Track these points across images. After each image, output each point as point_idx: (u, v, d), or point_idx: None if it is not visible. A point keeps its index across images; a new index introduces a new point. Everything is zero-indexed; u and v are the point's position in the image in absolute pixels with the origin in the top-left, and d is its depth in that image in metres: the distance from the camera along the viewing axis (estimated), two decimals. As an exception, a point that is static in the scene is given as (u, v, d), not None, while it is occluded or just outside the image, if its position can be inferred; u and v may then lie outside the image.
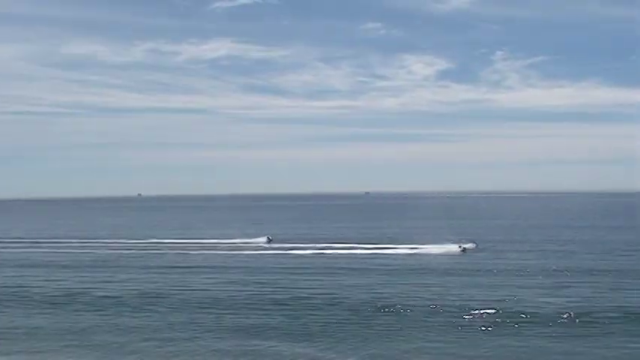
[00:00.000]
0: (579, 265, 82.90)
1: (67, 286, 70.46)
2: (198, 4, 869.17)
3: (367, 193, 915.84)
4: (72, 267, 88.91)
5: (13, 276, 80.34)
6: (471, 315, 52.13)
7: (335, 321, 51.06)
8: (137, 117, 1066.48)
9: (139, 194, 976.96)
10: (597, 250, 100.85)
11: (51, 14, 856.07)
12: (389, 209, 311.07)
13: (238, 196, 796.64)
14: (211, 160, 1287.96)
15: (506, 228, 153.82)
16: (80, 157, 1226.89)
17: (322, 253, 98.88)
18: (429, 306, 55.87)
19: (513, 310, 53.79)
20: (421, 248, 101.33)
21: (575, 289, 64.78)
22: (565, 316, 51.12)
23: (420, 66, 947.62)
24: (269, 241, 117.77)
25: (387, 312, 54.22)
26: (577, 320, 49.89)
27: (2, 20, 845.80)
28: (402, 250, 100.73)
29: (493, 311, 53.03)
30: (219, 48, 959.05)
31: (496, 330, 47.69)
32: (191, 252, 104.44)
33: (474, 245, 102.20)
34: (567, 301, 57.35)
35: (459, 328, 48.55)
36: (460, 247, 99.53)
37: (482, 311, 53.03)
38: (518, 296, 60.33)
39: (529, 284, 67.70)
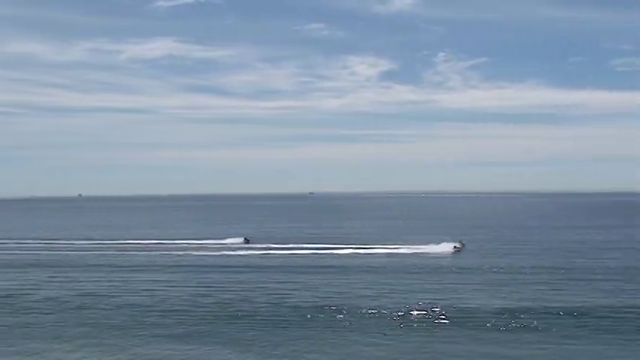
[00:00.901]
0: (524, 264, 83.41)
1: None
2: (140, 2, 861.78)
3: (312, 193, 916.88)
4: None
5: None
6: (403, 314, 52.04)
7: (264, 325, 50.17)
8: (78, 117, 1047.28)
9: (80, 195, 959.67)
10: (538, 249, 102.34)
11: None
12: (335, 210, 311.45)
13: (181, 197, 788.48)
14: (154, 160, 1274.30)
15: (461, 228, 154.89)
16: (20, 157, 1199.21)
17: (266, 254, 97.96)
18: (367, 306, 55.35)
19: (452, 308, 53.78)
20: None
21: (515, 287, 65.27)
22: (504, 315, 51.26)
23: (363, 67, 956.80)
24: (246, 242, 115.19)
25: (325, 312, 53.53)
26: (512, 320, 49.92)
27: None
28: (349, 250, 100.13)
29: (430, 311, 52.97)
30: (161, 47, 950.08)
31: (427, 330, 47.65)
32: (121, 252, 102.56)
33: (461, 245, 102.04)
34: (506, 300, 57.66)
35: (391, 328, 48.22)
36: (455, 247, 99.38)
37: (419, 312, 52.91)
38: (461, 296, 60.42)
39: (470, 283, 67.90)
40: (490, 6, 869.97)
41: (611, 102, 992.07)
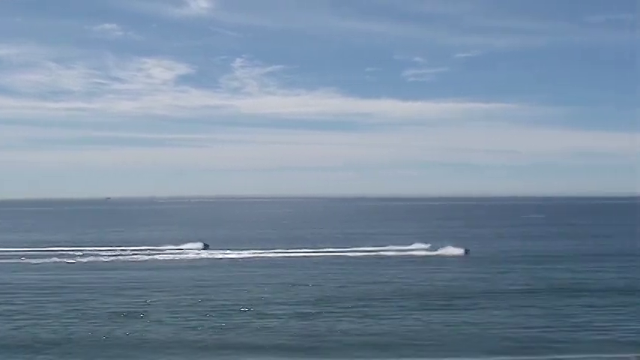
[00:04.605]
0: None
1: None
2: None
3: (108, 198, 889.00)
4: None
5: None
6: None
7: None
8: None
9: None
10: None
11: None
12: (135, 215, 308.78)
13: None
14: None
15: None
16: None
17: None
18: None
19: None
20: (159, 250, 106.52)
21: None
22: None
23: (159, 70, 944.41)
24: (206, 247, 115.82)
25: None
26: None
27: None
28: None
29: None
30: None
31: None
32: None
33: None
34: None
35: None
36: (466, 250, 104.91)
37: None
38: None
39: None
40: (288, 16, 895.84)
41: (404, 111, 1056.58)
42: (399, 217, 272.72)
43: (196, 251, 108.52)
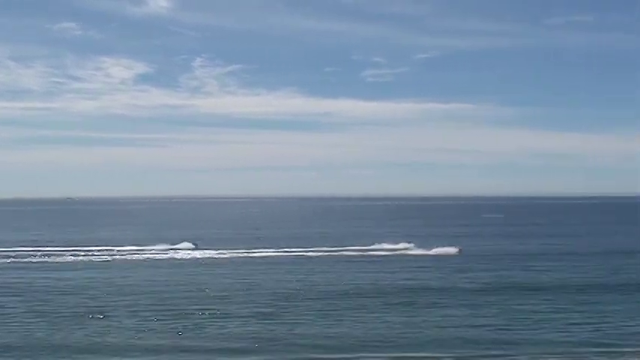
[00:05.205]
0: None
1: None
2: None
3: (69, 198, 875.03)
4: None
5: None
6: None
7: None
8: None
9: None
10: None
11: None
12: (96, 215, 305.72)
13: None
14: None
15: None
16: None
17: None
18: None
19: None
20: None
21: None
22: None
23: (118, 69, 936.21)
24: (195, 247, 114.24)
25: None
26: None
27: None
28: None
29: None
30: None
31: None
32: None
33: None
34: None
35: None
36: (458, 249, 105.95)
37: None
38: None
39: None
40: (248, 15, 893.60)
41: (364, 111, 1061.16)
42: (358, 216, 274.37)
43: (162, 251, 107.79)
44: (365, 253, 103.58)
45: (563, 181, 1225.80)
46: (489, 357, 43.22)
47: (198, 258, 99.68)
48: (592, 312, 56.07)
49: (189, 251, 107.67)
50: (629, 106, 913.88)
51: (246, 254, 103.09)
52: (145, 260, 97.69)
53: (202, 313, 55.60)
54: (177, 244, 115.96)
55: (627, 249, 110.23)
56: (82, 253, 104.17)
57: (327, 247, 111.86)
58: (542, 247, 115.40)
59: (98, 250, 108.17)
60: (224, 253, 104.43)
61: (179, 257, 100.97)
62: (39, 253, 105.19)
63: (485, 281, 74.18)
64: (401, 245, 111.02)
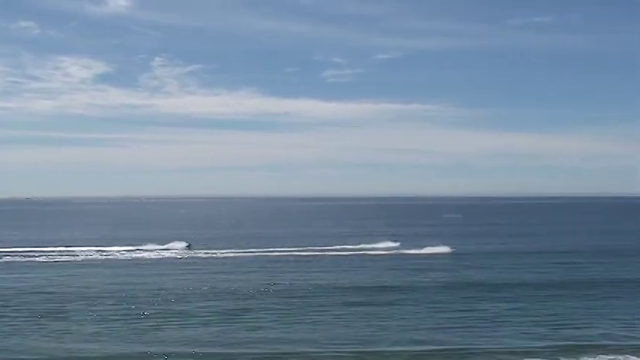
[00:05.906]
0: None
1: None
2: None
3: (28, 198, 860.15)
4: None
5: None
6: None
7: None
8: None
9: None
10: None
11: None
12: (55, 216, 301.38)
13: None
14: None
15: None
16: None
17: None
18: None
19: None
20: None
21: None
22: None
23: (77, 68, 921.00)
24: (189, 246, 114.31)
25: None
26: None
27: None
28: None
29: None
30: None
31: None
32: None
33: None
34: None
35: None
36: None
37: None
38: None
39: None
40: (208, 15, 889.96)
41: (324, 111, 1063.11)
42: (319, 216, 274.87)
43: (121, 251, 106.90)
44: (325, 254, 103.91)
45: (518, 182, 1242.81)
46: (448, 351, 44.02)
47: (159, 258, 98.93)
48: (550, 308, 57.31)
49: (154, 252, 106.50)
50: (587, 106, 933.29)
51: (208, 254, 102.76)
52: (105, 260, 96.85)
53: (163, 314, 55.22)
54: (141, 245, 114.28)
55: (589, 248, 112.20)
56: (39, 254, 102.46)
57: (287, 247, 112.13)
58: (502, 247, 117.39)
59: (58, 251, 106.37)
60: (186, 253, 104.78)
61: (141, 257, 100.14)
62: None
63: (445, 279, 75.41)
64: (364, 246, 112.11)
